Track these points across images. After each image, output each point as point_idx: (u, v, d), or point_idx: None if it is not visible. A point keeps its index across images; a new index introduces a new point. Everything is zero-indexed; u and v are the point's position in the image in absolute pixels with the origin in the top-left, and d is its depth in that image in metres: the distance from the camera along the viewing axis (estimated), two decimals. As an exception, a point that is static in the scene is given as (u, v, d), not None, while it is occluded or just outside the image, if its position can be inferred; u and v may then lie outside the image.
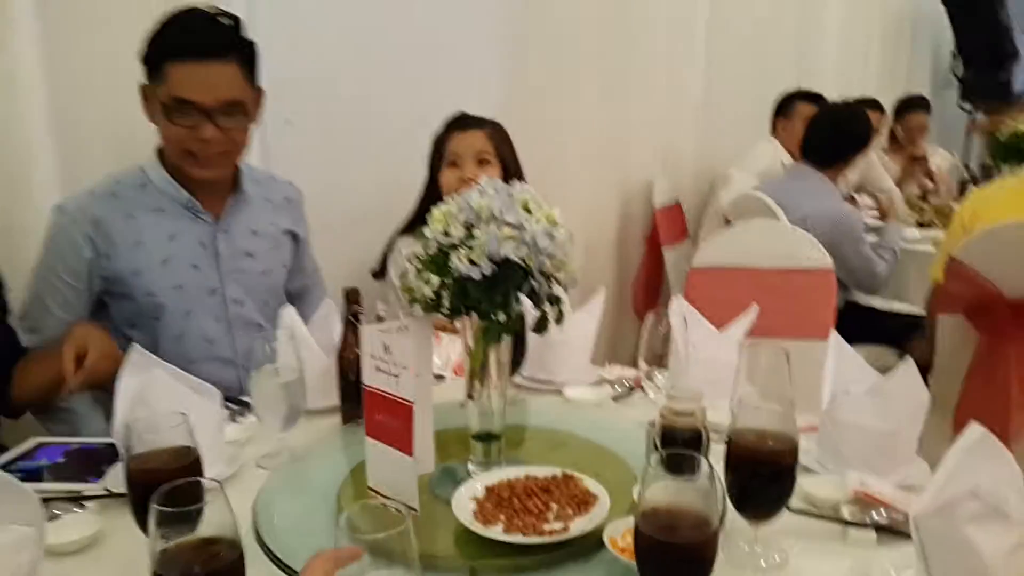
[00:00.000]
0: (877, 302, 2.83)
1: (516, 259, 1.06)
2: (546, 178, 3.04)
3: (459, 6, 2.69)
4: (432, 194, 1.95)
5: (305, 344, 1.46)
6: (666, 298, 3.67)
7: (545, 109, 3.07)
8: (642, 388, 1.47)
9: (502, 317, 1.09)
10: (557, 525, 0.98)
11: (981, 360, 2.09)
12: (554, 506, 1.03)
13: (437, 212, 1.11)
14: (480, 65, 2.80)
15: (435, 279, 1.10)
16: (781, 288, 2.16)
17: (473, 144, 1.92)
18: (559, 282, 1.11)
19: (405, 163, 2.08)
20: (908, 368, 1.15)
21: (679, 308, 1.56)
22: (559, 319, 1.14)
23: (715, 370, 1.53)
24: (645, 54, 3.55)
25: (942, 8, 5.52)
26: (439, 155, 1.96)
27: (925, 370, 2.47)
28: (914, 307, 2.79)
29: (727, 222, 2.95)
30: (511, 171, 1.93)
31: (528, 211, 1.09)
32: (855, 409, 1.17)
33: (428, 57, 2.47)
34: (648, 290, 3.74)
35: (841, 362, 1.32)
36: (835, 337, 1.38)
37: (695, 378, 1.44)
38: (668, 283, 3.64)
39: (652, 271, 3.72)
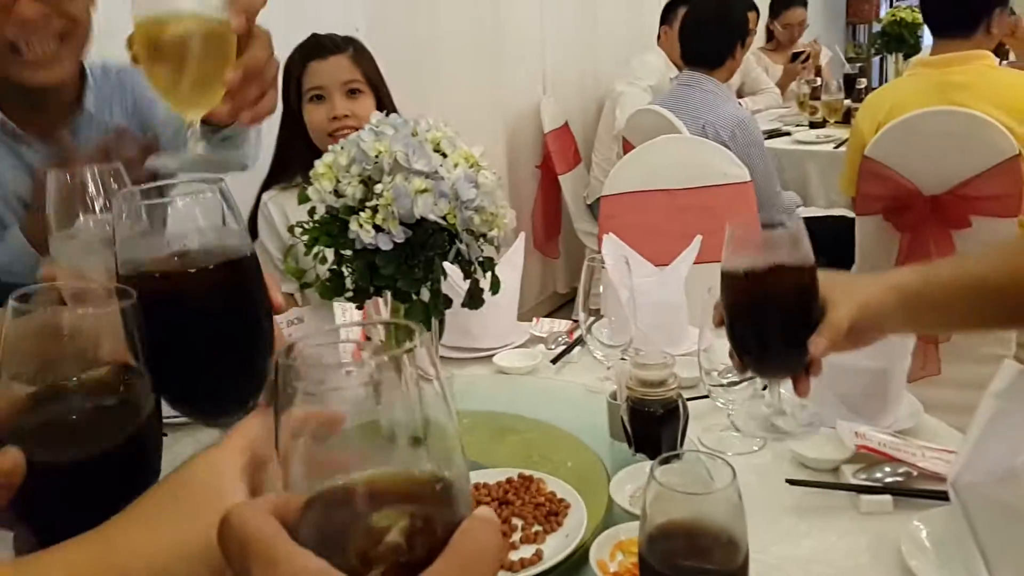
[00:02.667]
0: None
1: (435, 218, 0.82)
2: (422, 108, 2.84)
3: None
4: (295, 134, 1.62)
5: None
6: (569, 228, 3.51)
7: (410, 31, 2.79)
8: (583, 343, 1.28)
9: (426, 295, 0.86)
10: (527, 552, 0.77)
11: (904, 259, 2.03)
12: (517, 523, 0.82)
13: (321, 165, 0.85)
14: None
15: (330, 254, 0.85)
16: (699, 207, 2.01)
17: (338, 73, 1.59)
18: (490, 242, 0.88)
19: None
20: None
21: (614, 248, 1.37)
22: (495, 288, 0.92)
23: (664, 314, 1.36)
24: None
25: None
26: (297, 88, 1.61)
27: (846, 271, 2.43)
28: (818, 211, 2.73)
29: (624, 142, 2.78)
30: (386, 102, 1.63)
31: (442, 153, 0.85)
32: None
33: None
34: (547, 222, 3.56)
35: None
36: None
37: (643, 325, 1.27)
38: (567, 212, 3.47)
39: (549, 201, 3.54)
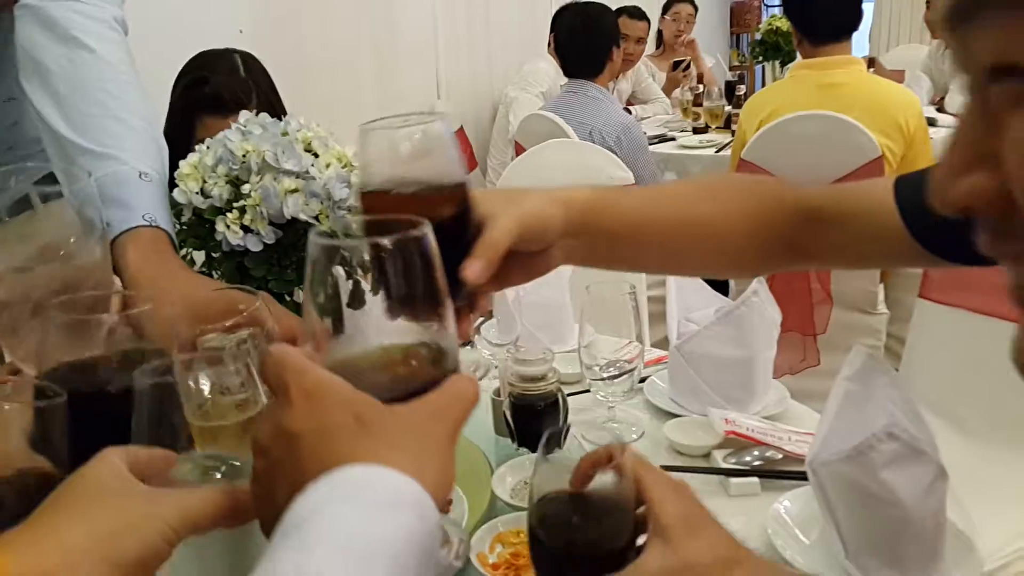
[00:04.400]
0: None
1: (307, 218, 0.81)
2: (310, 113, 2.80)
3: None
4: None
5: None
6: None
7: (297, 36, 2.74)
8: (471, 344, 1.28)
9: (300, 297, 0.84)
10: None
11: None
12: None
13: (186, 165, 0.83)
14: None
15: (200, 256, 0.83)
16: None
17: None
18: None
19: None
20: (760, 290, 1.05)
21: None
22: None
23: (548, 313, 1.38)
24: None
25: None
26: (184, 136, 1.43)
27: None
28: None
29: (517, 146, 2.81)
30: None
31: (313, 153, 0.84)
32: (707, 339, 1.07)
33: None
34: (442, 225, 3.55)
35: (680, 290, 1.22)
36: None
37: (529, 324, 1.28)
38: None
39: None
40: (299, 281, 0.84)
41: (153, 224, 0.79)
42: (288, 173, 0.80)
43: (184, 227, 0.84)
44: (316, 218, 0.81)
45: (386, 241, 0.43)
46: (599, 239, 0.68)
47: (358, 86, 3.12)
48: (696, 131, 3.30)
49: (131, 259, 0.76)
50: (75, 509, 0.45)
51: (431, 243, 0.44)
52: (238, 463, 0.55)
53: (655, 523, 0.54)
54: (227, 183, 0.80)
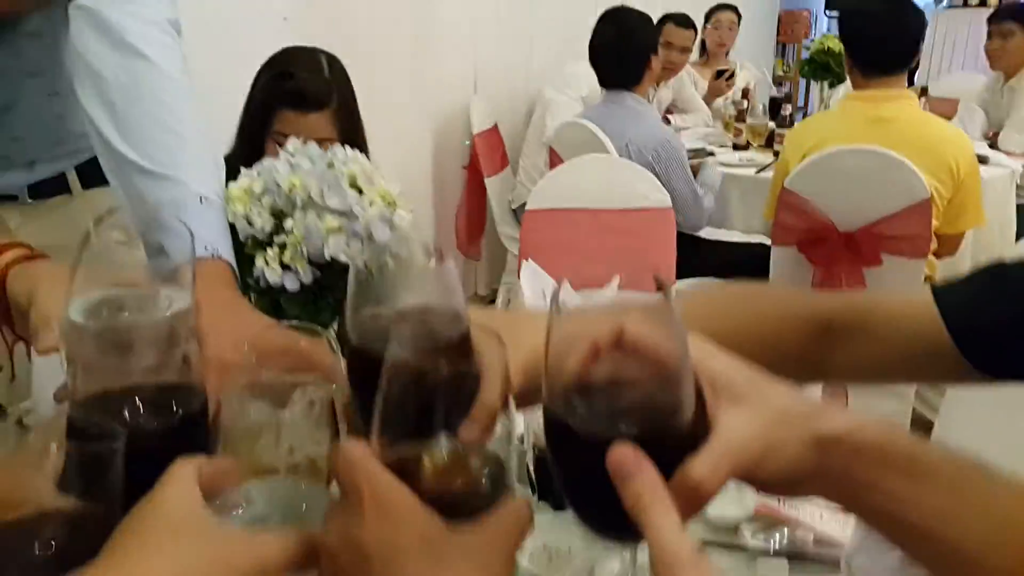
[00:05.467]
0: (702, 231, 2.80)
1: (347, 259, 0.78)
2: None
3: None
4: (248, 159, 1.48)
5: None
6: (492, 232, 3.49)
7: (337, 20, 2.72)
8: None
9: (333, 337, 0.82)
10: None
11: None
12: None
13: (236, 188, 0.80)
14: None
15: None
16: (621, 229, 2.02)
17: (315, 131, 1.38)
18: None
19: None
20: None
21: (533, 276, 1.35)
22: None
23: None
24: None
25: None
26: (261, 125, 1.45)
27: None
28: (737, 235, 2.78)
29: (551, 152, 2.77)
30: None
31: (358, 189, 0.82)
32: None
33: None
34: (471, 224, 3.53)
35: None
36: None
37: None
38: (491, 215, 3.45)
39: (474, 203, 3.50)
40: (332, 321, 0.82)
41: (215, 255, 0.75)
42: (332, 211, 0.78)
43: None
44: (354, 259, 0.79)
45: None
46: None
47: (395, 75, 3.09)
48: (736, 147, 3.24)
49: (199, 296, 0.72)
50: (154, 545, 0.46)
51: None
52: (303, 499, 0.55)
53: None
54: (270, 215, 0.78)
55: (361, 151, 1.54)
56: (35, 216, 1.26)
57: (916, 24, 2.09)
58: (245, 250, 0.78)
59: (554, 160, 2.80)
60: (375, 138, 2.93)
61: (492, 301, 3.62)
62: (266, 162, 0.81)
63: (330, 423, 0.61)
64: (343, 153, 0.83)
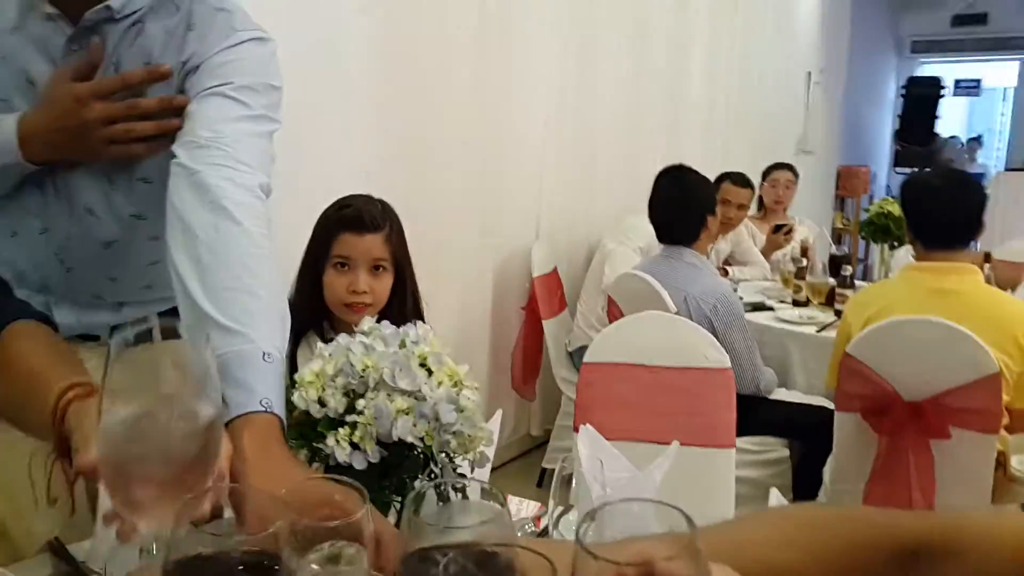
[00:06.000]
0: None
1: (413, 440, 0.81)
2: (412, 239, 2.91)
3: (330, 66, 2.46)
4: (311, 291, 1.62)
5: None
6: (548, 373, 3.50)
7: (414, 171, 2.88)
8: (546, 532, 1.24)
9: (394, 515, 0.83)
10: None
11: (882, 462, 2.02)
12: None
13: (309, 373, 0.84)
14: (345, 123, 2.57)
15: (302, 454, 0.83)
16: (679, 387, 2.01)
17: (369, 250, 1.60)
18: (464, 462, 0.87)
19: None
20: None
21: (590, 441, 1.35)
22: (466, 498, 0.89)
23: (630, 519, 1.33)
24: (518, 113, 3.45)
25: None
26: (323, 251, 1.61)
27: (820, 461, 2.41)
28: (798, 395, 2.74)
29: (609, 301, 2.82)
30: (408, 282, 1.65)
31: (427, 369, 0.85)
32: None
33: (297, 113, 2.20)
34: (527, 364, 3.55)
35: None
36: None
37: (609, 527, 1.24)
38: (548, 357, 3.47)
39: (531, 344, 3.54)
40: (396, 498, 0.83)
41: (269, 410, 0.80)
42: (402, 392, 0.81)
43: (293, 424, 0.85)
44: (421, 439, 0.81)
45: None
46: None
47: (464, 218, 3.23)
48: (796, 304, 3.23)
49: (246, 444, 0.77)
50: None
51: None
52: None
53: None
54: (343, 395, 0.81)
55: (410, 279, 1.66)
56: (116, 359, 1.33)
57: (977, 200, 2.11)
58: (318, 428, 0.81)
59: (612, 308, 2.84)
60: (441, 275, 3.04)
61: (545, 443, 3.59)
62: (341, 340, 0.85)
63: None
64: (415, 332, 0.87)
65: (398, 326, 1.55)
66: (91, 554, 1.11)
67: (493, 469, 1.31)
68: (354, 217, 1.61)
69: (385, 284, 1.60)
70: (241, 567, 0.57)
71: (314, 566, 0.60)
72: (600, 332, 2.27)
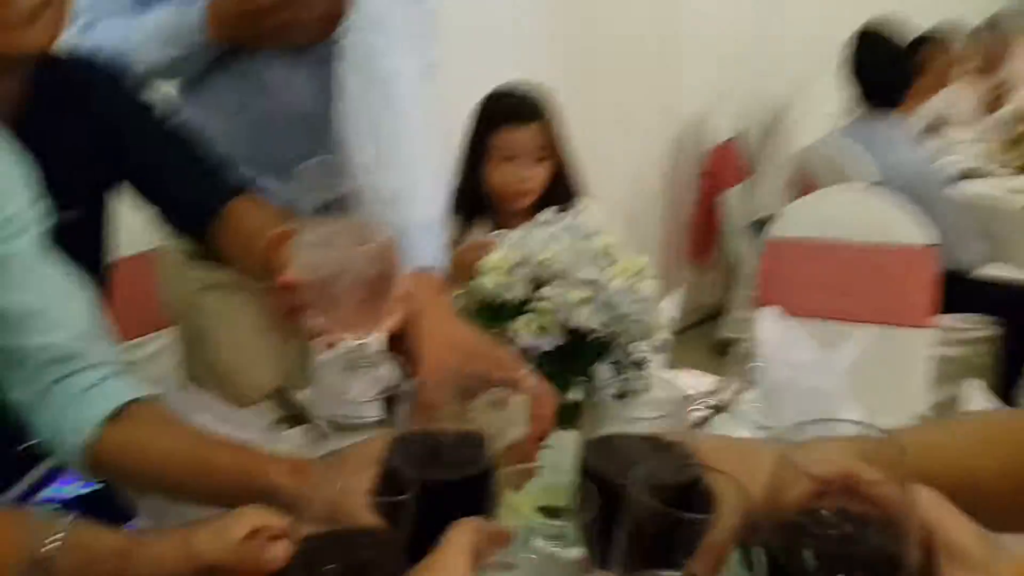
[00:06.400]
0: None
1: (593, 327, 0.83)
2: (587, 107, 2.88)
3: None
4: (475, 181, 1.66)
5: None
6: (725, 247, 3.41)
7: (585, 27, 2.78)
8: (725, 410, 1.25)
9: (579, 394, 0.87)
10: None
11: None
12: None
13: (492, 258, 0.88)
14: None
15: (487, 336, 0.88)
16: (872, 266, 1.90)
17: (531, 141, 1.62)
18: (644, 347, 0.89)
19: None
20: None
21: (775, 321, 1.32)
22: (646, 386, 0.92)
23: (816, 401, 1.31)
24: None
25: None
26: (483, 142, 1.64)
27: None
28: (1015, 270, 2.49)
29: (796, 171, 2.66)
30: (567, 169, 1.66)
31: (607, 261, 0.86)
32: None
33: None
34: (702, 236, 3.48)
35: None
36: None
37: (791, 410, 1.23)
38: (727, 227, 3.37)
39: (706, 215, 3.45)
40: (574, 381, 0.87)
41: (433, 269, 0.90)
42: (582, 283, 0.83)
43: (477, 310, 0.91)
44: (602, 327, 0.84)
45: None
46: None
47: (638, 79, 3.12)
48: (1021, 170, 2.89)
49: (419, 294, 0.84)
50: None
51: None
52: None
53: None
54: (527, 283, 0.85)
55: (570, 165, 1.66)
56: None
57: None
58: (503, 313, 0.86)
59: (798, 181, 2.68)
60: (613, 140, 2.99)
61: (718, 314, 3.55)
62: (522, 232, 0.88)
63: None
64: (593, 224, 0.88)
65: (563, 208, 1.59)
66: (311, 400, 1.27)
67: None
68: (510, 109, 1.64)
69: (546, 171, 1.64)
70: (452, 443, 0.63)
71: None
72: (786, 205, 2.17)
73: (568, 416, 0.89)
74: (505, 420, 0.73)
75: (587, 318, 0.82)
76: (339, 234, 0.72)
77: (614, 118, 3.06)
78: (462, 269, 1.45)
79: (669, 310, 1.36)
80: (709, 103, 3.44)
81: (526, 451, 0.73)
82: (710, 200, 3.41)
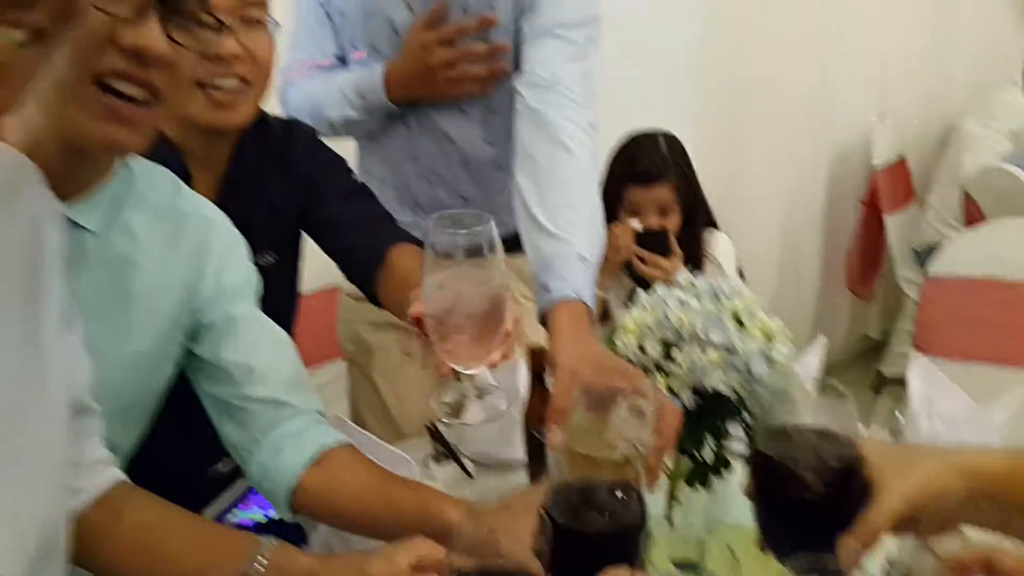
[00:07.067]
0: None
1: (725, 390, 0.87)
2: (741, 130, 2.84)
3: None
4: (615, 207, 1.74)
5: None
6: (890, 273, 3.25)
7: (740, 38, 2.76)
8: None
9: (708, 456, 0.91)
10: None
11: None
12: None
13: (629, 321, 0.93)
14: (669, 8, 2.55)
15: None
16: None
17: (658, 200, 1.72)
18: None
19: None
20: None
21: (924, 372, 1.28)
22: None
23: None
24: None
25: None
26: (614, 197, 1.73)
27: None
28: None
29: (967, 199, 2.50)
30: (695, 214, 1.73)
31: (740, 323, 0.89)
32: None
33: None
34: (865, 263, 3.33)
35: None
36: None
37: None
38: (891, 255, 3.21)
39: (870, 241, 3.29)
40: (706, 441, 0.91)
41: (579, 297, 0.99)
42: (714, 345, 0.87)
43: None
44: (734, 389, 0.87)
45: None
46: (1015, 514, 0.63)
47: (795, 98, 3.04)
48: None
49: (563, 321, 0.97)
50: None
51: None
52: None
53: None
54: (660, 344, 0.90)
55: (704, 218, 1.70)
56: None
57: None
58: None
59: (970, 207, 2.53)
60: (767, 160, 2.92)
61: (883, 344, 3.37)
62: (658, 292, 0.92)
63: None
64: (728, 286, 0.91)
65: (692, 251, 1.64)
66: (462, 437, 1.36)
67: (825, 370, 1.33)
68: (639, 172, 1.72)
69: (674, 222, 1.71)
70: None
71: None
72: (954, 234, 2.06)
73: (699, 476, 0.93)
74: (641, 428, 0.79)
75: (719, 381, 0.86)
76: (460, 277, 0.81)
77: (768, 143, 3.00)
78: (614, 251, 1.58)
79: (811, 366, 1.36)
80: (871, 124, 3.30)
81: (649, 463, 0.79)
82: (872, 227, 3.27)
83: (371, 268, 1.14)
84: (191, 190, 0.95)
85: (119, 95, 0.71)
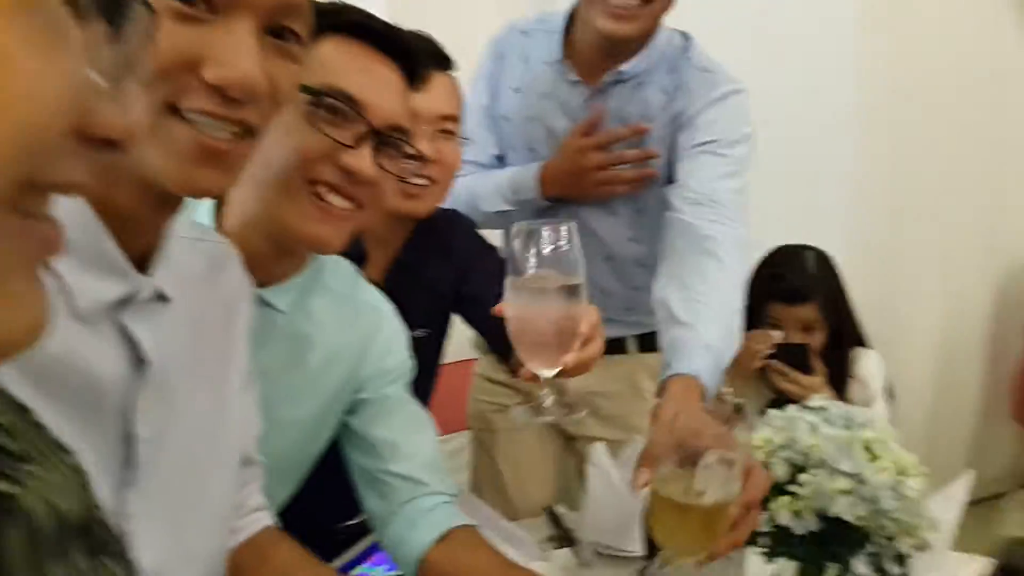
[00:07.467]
0: None
1: (851, 519, 0.86)
2: (899, 241, 2.73)
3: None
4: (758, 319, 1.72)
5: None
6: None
7: (899, 165, 2.68)
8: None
9: (831, 577, 0.89)
10: None
11: None
12: None
13: (758, 438, 0.95)
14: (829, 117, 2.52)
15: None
16: None
17: (801, 319, 1.68)
18: (906, 547, 0.88)
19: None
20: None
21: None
22: None
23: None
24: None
25: None
26: (760, 310, 1.70)
27: None
28: None
29: None
30: (842, 332, 1.68)
31: (872, 455, 0.88)
32: None
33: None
34: (1030, 392, 3.07)
35: None
36: None
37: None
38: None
39: (1040, 370, 3.05)
40: (828, 567, 0.89)
41: (695, 376, 1.02)
42: (843, 474, 0.86)
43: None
44: (861, 520, 0.85)
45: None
46: None
47: (957, 215, 2.90)
48: None
49: (674, 388, 1.01)
50: None
51: None
52: None
53: None
54: (787, 465, 0.90)
55: (852, 337, 1.66)
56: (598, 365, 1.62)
57: None
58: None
59: None
60: (930, 280, 2.78)
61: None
62: (790, 413, 0.93)
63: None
64: (862, 415, 0.91)
65: (837, 369, 1.58)
66: (579, 523, 1.38)
67: (979, 502, 1.24)
68: (783, 291, 1.68)
69: (818, 339, 1.66)
70: None
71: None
72: None
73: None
74: (729, 480, 0.81)
75: (845, 509, 0.85)
76: (544, 291, 0.86)
77: (929, 257, 2.88)
78: (748, 355, 1.56)
79: (955, 500, 1.28)
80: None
81: (735, 523, 0.81)
82: (1042, 353, 3.03)
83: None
84: (366, 282, 1.07)
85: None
